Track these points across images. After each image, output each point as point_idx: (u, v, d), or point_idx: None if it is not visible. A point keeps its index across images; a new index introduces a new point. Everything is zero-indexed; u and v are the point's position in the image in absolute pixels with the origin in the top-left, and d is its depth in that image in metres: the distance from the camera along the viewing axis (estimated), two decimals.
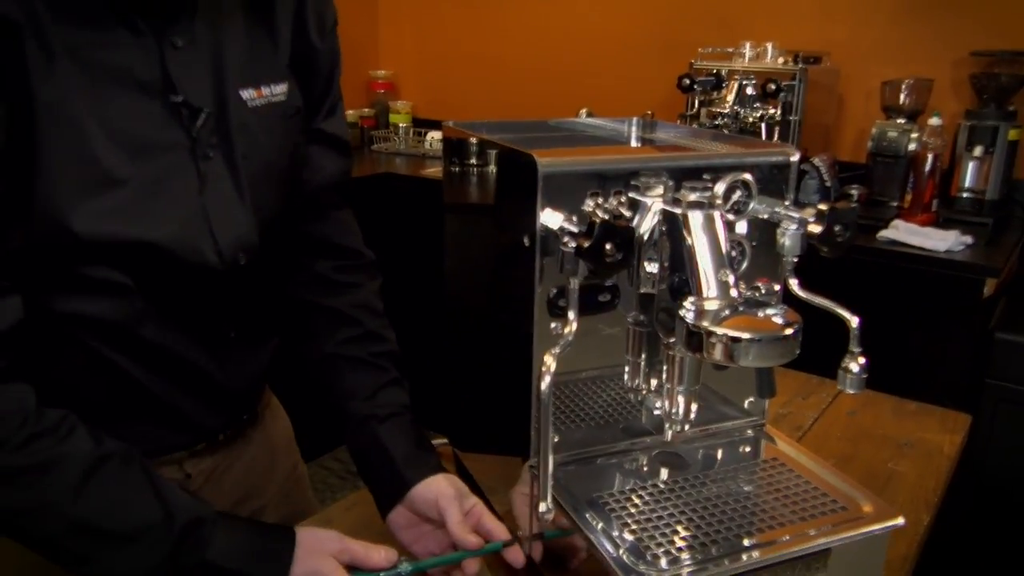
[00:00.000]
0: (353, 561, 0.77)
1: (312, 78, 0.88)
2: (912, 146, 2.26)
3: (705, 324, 0.68)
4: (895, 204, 2.29)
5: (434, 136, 3.24)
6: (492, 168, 0.93)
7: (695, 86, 2.35)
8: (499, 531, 0.82)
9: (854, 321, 0.77)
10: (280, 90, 0.83)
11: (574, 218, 0.73)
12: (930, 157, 2.18)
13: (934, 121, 2.23)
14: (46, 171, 0.66)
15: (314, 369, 0.94)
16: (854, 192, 2.28)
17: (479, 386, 0.99)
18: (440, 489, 0.84)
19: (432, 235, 1.44)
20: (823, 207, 0.76)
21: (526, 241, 0.77)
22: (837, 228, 0.76)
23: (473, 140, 0.95)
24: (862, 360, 0.78)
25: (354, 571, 0.77)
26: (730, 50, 2.46)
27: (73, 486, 0.67)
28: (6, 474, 0.65)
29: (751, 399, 0.92)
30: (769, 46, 2.41)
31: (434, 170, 2.94)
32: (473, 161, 0.97)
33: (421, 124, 3.39)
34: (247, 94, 0.79)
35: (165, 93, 0.73)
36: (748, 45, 2.42)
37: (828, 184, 2.24)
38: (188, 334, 0.83)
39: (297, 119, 0.87)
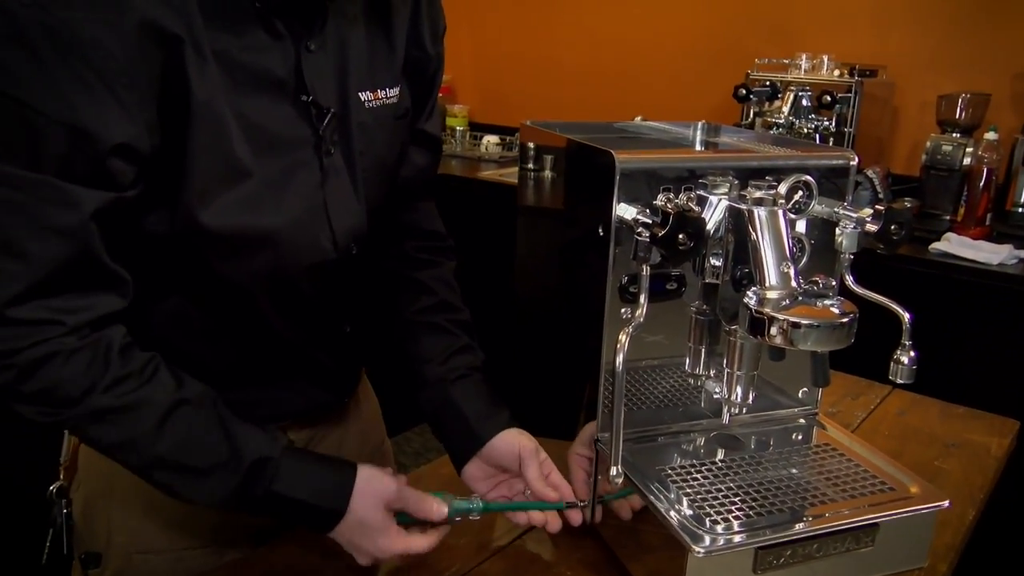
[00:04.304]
0: (406, 509, 0.84)
1: (420, 82, 0.95)
2: (967, 160, 2.27)
3: (767, 311, 0.74)
4: (948, 217, 2.31)
5: (489, 140, 3.32)
6: (548, 173, 1.00)
7: (751, 96, 2.40)
8: (565, 487, 0.89)
9: (906, 316, 0.83)
10: (393, 93, 0.90)
11: (647, 211, 0.79)
12: (985, 171, 2.19)
13: (990, 135, 2.24)
14: (191, 164, 0.73)
15: (394, 334, 1.01)
16: (908, 204, 2.30)
17: (546, 375, 1.06)
18: (521, 443, 0.90)
19: (490, 234, 1.50)
20: (880, 207, 0.81)
21: (601, 231, 0.83)
22: (893, 227, 0.81)
23: (531, 145, 1.03)
24: (912, 353, 0.83)
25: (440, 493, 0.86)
26: (786, 61, 2.50)
27: (153, 425, 0.75)
28: (97, 413, 0.73)
29: (805, 389, 0.98)
30: (825, 58, 2.44)
31: (490, 172, 3.02)
32: (531, 166, 1.05)
33: (477, 128, 3.47)
34: (364, 96, 0.86)
35: (296, 93, 0.79)
36: (804, 57, 2.46)
37: (881, 195, 2.27)
38: (307, 328, 0.92)
39: (406, 119, 0.94)
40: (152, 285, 0.81)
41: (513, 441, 0.91)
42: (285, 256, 0.83)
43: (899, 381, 0.83)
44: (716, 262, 0.82)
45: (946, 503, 0.81)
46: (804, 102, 2.36)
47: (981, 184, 2.19)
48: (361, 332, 1.02)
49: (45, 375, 0.71)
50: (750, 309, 0.75)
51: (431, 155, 1.03)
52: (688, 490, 0.82)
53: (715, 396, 0.88)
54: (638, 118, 1.16)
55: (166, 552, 0.95)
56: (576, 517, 0.90)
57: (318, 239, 0.85)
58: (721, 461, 0.88)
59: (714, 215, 0.82)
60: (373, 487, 0.83)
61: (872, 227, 0.82)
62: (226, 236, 0.77)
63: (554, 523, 0.88)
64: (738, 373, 0.84)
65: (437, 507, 0.85)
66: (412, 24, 0.92)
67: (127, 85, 0.68)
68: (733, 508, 0.79)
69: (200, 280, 0.82)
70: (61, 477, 0.99)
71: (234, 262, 0.81)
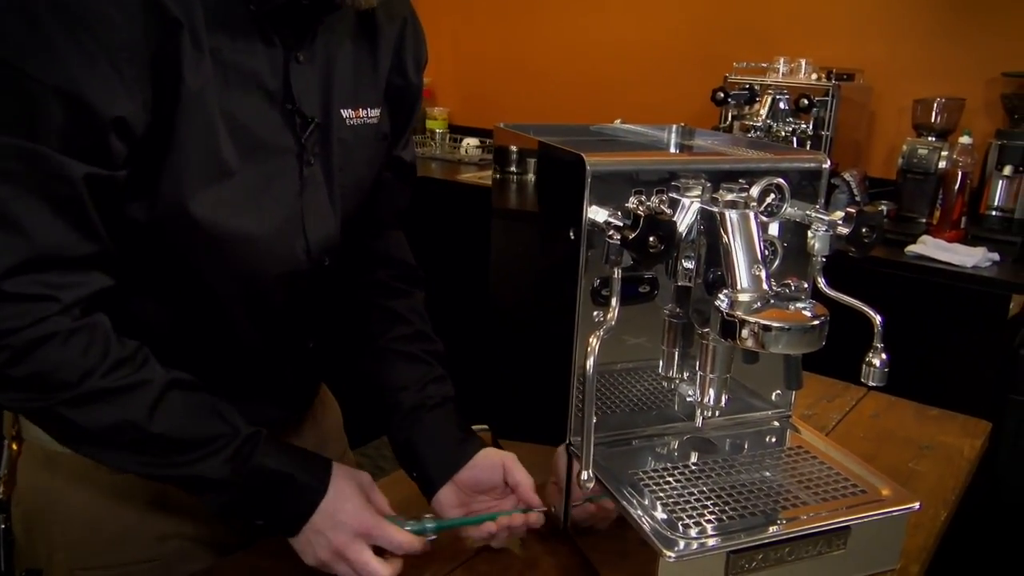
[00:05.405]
0: (379, 543, 0.82)
1: (401, 109, 0.96)
2: (942, 164, 2.29)
3: (739, 314, 0.73)
4: (924, 220, 2.33)
5: (469, 142, 3.32)
6: (531, 176, 0.99)
7: (729, 99, 2.41)
8: (539, 502, 0.89)
9: (877, 319, 0.83)
10: (375, 113, 0.91)
11: (619, 214, 0.79)
12: (960, 175, 2.21)
13: (964, 140, 2.26)
14: (176, 153, 0.73)
15: (367, 361, 1.00)
16: (880, 208, 2.32)
17: (520, 378, 1.05)
18: (502, 456, 0.90)
19: (469, 236, 1.50)
20: (851, 210, 0.81)
21: (572, 234, 0.83)
22: (864, 230, 0.81)
23: (514, 148, 1.02)
24: (884, 355, 0.83)
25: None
26: (764, 65, 2.51)
27: (150, 405, 0.75)
28: (93, 394, 0.73)
29: (778, 392, 0.98)
30: (803, 62, 2.45)
31: (469, 175, 3.01)
32: (513, 169, 1.05)
33: (457, 131, 3.47)
34: (347, 112, 0.87)
35: (283, 101, 0.81)
36: (782, 60, 2.47)
37: (858, 199, 2.29)
38: (273, 340, 0.91)
39: (385, 143, 0.96)
40: (125, 282, 0.80)
41: (493, 456, 0.91)
42: (259, 260, 0.83)
43: (871, 383, 0.83)
44: (688, 265, 0.82)
45: (916, 505, 0.81)
46: (782, 105, 2.37)
47: (956, 187, 2.21)
48: (323, 350, 1.01)
49: (42, 357, 0.70)
50: (721, 312, 0.74)
51: (405, 185, 1.04)
52: (661, 494, 0.81)
53: (688, 399, 0.87)
54: (618, 121, 1.16)
55: (109, 569, 0.92)
56: (535, 520, 0.89)
57: (293, 247, 0.86)
58: (694, 464, 0.88)
59: (686, 218, 0.81)
60: (351, 485, 0.83)
61: (844, 230, 0.82)
62: (203, 230, 0.77)
63: (518, 519, 0.87)
64: (711, 376, 0.83)
65: (408, 541, 0.83)
66: (396, 52, 0.93)
67: (128, 60, 0.68)
68: (706, 512, 0.79)
69: (173, 279, 0.81)
70: None
71: (208, 260, 0.81)
